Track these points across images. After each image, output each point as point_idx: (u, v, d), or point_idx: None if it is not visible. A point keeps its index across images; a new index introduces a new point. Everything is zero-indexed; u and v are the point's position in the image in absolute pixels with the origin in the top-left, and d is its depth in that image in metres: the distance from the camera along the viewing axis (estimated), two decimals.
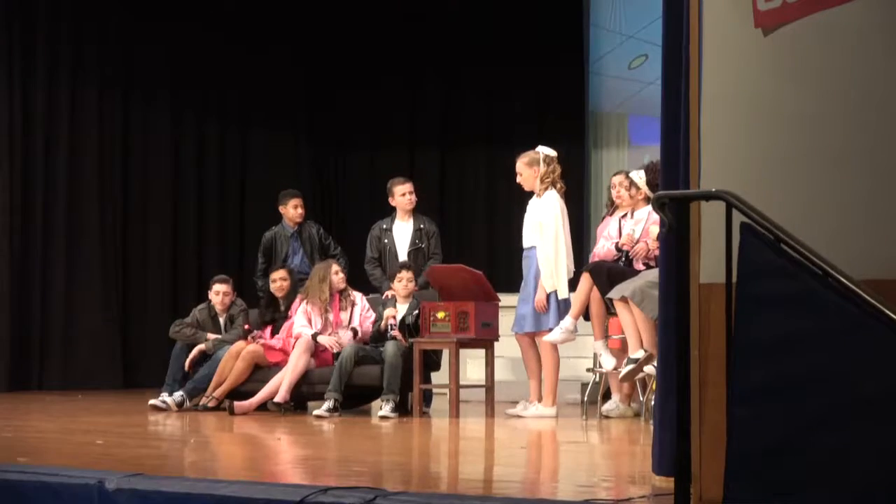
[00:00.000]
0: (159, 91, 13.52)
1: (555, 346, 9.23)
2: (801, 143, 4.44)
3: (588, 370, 9.91)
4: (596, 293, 8.91)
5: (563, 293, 9.24)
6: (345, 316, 9.96)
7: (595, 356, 9.40)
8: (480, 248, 13.89)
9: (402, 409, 9.47)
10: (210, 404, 9.83)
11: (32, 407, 10.43)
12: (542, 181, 9.41)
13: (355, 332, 9.89)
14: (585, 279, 8.98)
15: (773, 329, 3.87)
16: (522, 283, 9.50)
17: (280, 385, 9.60)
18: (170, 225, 13.56)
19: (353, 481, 5.10)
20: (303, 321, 9.90)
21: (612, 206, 9.48)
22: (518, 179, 9.53)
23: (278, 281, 10.35)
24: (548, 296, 9.24)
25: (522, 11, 13.69)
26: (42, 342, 12.52)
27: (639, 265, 8.94)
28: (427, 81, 14.66)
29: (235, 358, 9.87)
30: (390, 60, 14.42)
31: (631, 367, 8.47)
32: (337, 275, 10.00)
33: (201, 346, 10.19)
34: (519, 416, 9.30)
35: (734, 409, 3.91)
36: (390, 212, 10.59)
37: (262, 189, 13.38)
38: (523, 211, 9.61)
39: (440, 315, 9.39)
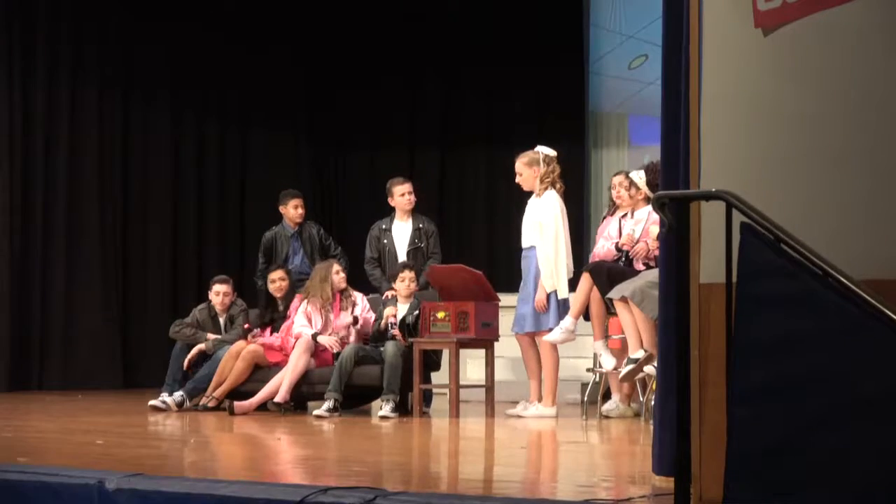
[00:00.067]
0: (159, 91, 13.52)
1: (555, 346, 9.23)
2: (801, 143, 4.44)
3: (588, 370, 9.91)
4: (596, 293, 8.91)
5: (563, 293, 9.24)
6: (345, 316, 9.96)
7: (595, 356, 9.40)
8: (480, 248, 13.89)
9: (402, 409, 9.47)
10: (210, 404, 9.83)
11: (32, 407, 10.43)
12: (541, 181, 9.41)
13: (356, 319, 9.89)
14: (585, 279, 8.98)
15: (773, 329, 3.87)
16: (522, 283, 9.50)
17: (280, 385, 9.61)
18: (170, 225, 13.56)
19: (353, 481, 5.10)
20: (303, 321, 9.90)
21: (613, 207, 9.48)
22: (517, 179, 9.53)
23: (277, 281, 10.35)
24: (548, 296, 9.24)
25: (522, 11, 13.68)
26: (42, 342, 12.52)
27: (639, 265, 8.94)
28: (427, 81, 14.66)
29: (235, 358, 9.88)
30: (390, 60, 14.42)
31: (631, 367, 8.47)
32: (338, 275, 10.00)
33: (201, 346, 10.20)
34: (519, 416, 9.30)
35: (734, 409, 3.91)
36: (390, 212, 10.59)
37: (262, 189, 13.38)
38: (523, 211, 9.61)
39: (440, 315, 9.39)
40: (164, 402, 9.86)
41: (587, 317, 9.08)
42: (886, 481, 3.65)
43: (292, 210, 11.04)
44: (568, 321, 9.00)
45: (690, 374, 4.24)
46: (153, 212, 13.42)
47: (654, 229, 8.37)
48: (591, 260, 9.47)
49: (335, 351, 9.74)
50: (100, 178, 12.98)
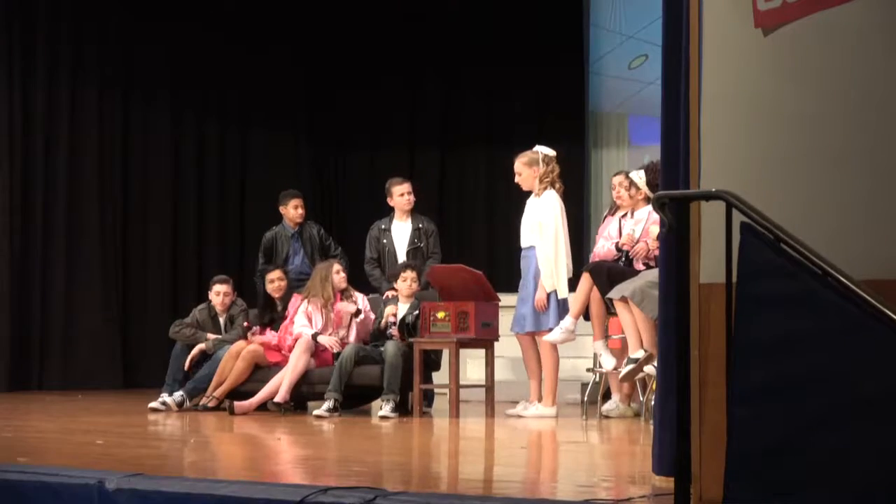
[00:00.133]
0: (159, 91, 13.52)
1: (554, 346, 9.23)
2: (801, 143, 4.44)
3: (588, 370, 9.91)
4: (596, 293, 8.91)
5: (563, 293, 9.24)
6: (349, 304, 9.96)
7: (595, 356, 9.40)
8: (480, 248, 13.89)
9: (402, 409, 9.47)
10: (210, 404, 9.83)
11: (32, 407, 10.44)
12: (540, 181, 9.40)
13: (358, 311, 9.90)
14: (585, 279, 8.98)
15: (773, 329, 3.87)
16: (521, 283, 9.50)
17: (280, 385, 9.61)
18: (170, 225, 13.56)
19: (353, 481, 5.10)
20: (303, 321, 9.90)
21: (614, 207, 9.49)
22: (517, 179, 9.53)
23: (276, 281, 10.36)
24: (547, 295, 9.24)
25: (522, 11, 13.69)
26: (42, 342, 12.52)
27: (639, 265, 8.93)
28: (427, 81, 14.66)
29: (235, 358, 9.88)
30: (390, 60, 14.43)
31: (631, 367, 8.47)
32: (338, 274, 10.00)
33: (201, 346, 10.20)
34: (519, 416, 9.30)
35: (734, 409, 3.91)
36: (389, 212, 10.59)
37: (262, 189, 13.39)
38: (522, 211, 9.61)
39: (440, 315, 9.39)
40: (163, 402, 9.86)
41: (587, 317, 9.08)
42: (886, 481, 3.65)
43: (292, 210, 11.04)
44: (568, 321, 9.00)
45: (690, 374, 4.24)
46: (153, 212, 13.42)
47: (654, 229, 8.37)
48: (591, 260, 9.47)
49: (335, 351, 9.74)
50: (100, 178, 12.98)
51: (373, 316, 10.01)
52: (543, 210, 9.34)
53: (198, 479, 5.13)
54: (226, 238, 14.04)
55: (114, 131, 13.17)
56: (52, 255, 12.60)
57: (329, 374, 9.55)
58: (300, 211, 11.05)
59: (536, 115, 13.89)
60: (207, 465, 6.47)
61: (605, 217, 9.68)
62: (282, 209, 11.10)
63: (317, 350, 9.79)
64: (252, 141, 14.30)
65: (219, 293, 10.50)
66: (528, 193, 9.54)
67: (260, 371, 9.89)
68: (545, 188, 9.40)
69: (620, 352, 9.10)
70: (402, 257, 10.34)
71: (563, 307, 9.20)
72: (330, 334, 9.86)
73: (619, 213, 9.33)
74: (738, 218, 4.02)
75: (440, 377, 9.90)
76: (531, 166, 9.43)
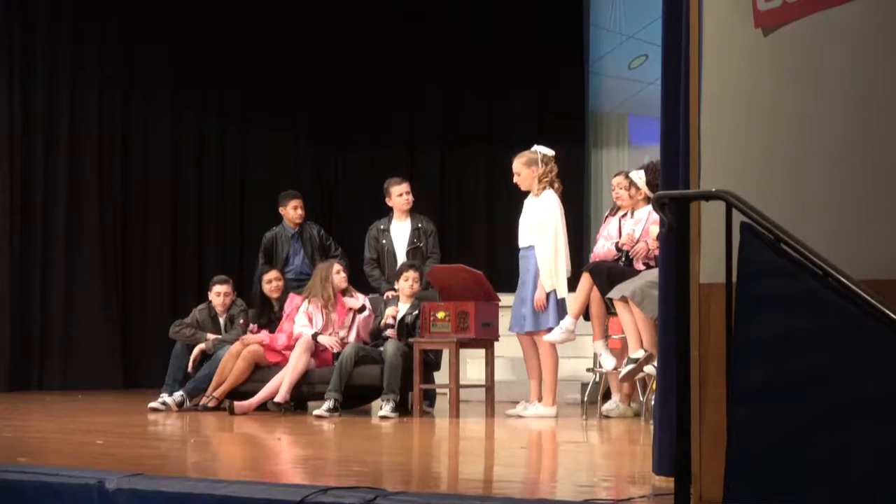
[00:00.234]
0: (159, 91, 13.52)
1: (554, 346, 9.22)
2: (801, 143, 4.44)
3: (588, 370, 9.90)
4: (596, 293, 8.91)
5: (562, 292, 9.24)
6: (353, 302, 9.98)
7: (595, 356, 9.40)
8: (480, 248, 13.89)
9: (402, 408, 9.47)
10: (210, 404, 9.83)
11: (32, 407, 10.44)
12: (539, 181, 9.40)
13: (363, 307, 9.90)
14: (585, 279, 8.98)
15: (773, 329, 3.87)
16: (519, 283, 9.49)
17: (280, 385, 9.61)
18: (170, 225, 13.56)
19: (353, 481, 5.10)
20: (304, 321, 9.90)
21: (616, 207, 9.49)
22: (515, 179, 9.52)
23: (273, 282, 10.38)
24: (547, 295, 9.24)
25: (522, 11, 13.69)
26: (42, 342, 12.52)
27: (639, 265, 8.94)
28: (427, 81, 14.66)
29: (235, 358, 9.88)
30: (390, 60, 14.43)
31: (631, 367, 8.47)
32: (338, 274, 10.00)
33: (201, 346, 10.20)
34: (519, 416, 9.29)
35: (734, 409, 3.90)
36: (388, 212, 10.59)
37: (262, 189, 13.39)
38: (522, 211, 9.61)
39: (440, 315, 9.39)
40: (163, 403, 9.87)
41: (587, 317, 9.08)
42: (886, 481, 3.65)
43: (292, 211, 11.04)
44: (568, 321, 8.99)
45: (690, 374, 4.24)
46: (153, 212, 13.43)
47: (654, 229, 8.37)
48: (591, 260, 9.47)
49: (335, 351, 9.74)
50: (100, 178, 12.98)
51: (373, 315, 10.01)
52: (542, 210, 9.34)
53: (198, 479, 5.12)
54: (226, 238, 14.04)
55: (114, 131, 13.17)
56: (52, 255, 12.60)
57: (329, 374, 9.55)
58: (300, 212, 11.05)
59: (536, 115, 13.89)
60: (208, 465, 6.47)
61: (607, 217, 9.68)
62: (281, 210, 11.10)
63: (317, 350, 9.79)
64: (252, 141, 14.30)
65: (219, 293, 10.51)
66: (528, 193, 9.53)
67: (260, 371, 9.89)
68: (544, 188, 9.40)
69: (620, 352, 9.10)
70: (401, 257, 10.34)
71: (562, 307, 9.20)
72: (330, 334, 9.86)
73: (619, 213, 9.33)
74: (738, 218, 4.02)
75: (440, 377, 9.90)
76: (530, 166, 9.42)
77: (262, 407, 9.66)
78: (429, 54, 14.37)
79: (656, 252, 8.13)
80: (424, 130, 14.60)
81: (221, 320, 10.48)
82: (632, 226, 9.11)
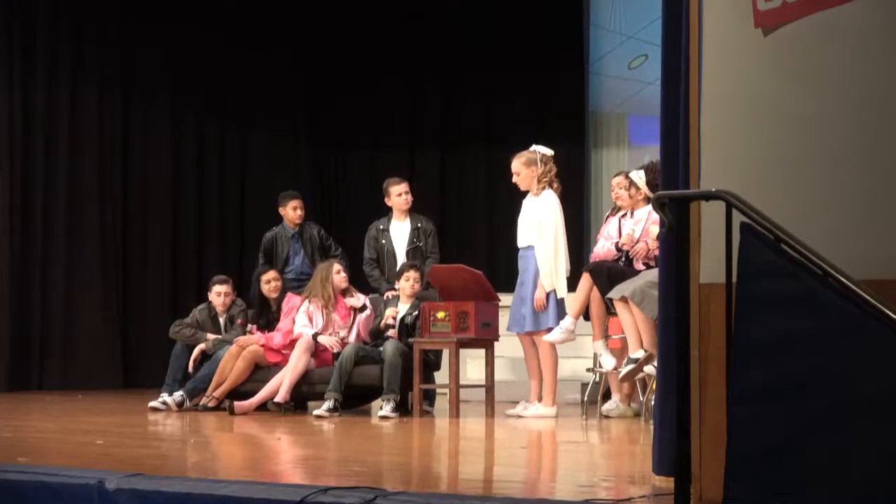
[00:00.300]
0: (159, 91, 13.53)
1: (553, 346, 9.22)
2: (801, 143, 4.44)
3: (588, 370, 9.91)
4: (596, 293, 8.91)
5: (562, 292, 9.24)
6: (355, 301, 9.98)
7: (595, 356, 9.40)
8: (480, 248, 13.89)
9: (402, 408, 9.47)
10: (210, 404, 9.84)
11: (32, 407, 10.43)
12: (538, 181, 9.40)
13: (364, 306, 9.91)
14: (585, 279, 8.98)
15: (773, 329, 3.87)
16: (518, 283, 9.48)
17: (280, 385, 9.61)
18: (170, 225, 13.57)
19: (353, 481, 5.09)
20: (304, 321, 9.90)
21: (616, 207, 9.49)
22: (514, 179, 9.52)
23: (272, 282, 10.39)
24: (546, 295, 9.24)
25: (522, 11, 13.69)
26: (42, 342, 12.52)
27: (639, 265, 8.94)
28: (427, 81, 14.67)
29: (235, 358, 9.88)
30: (390, 60, 14.43)
31: (631, 367, 8.47)
32: (338, 274, 10.00)
33: (202, 346, 10.20)
34: (519, 416, 9.29)
35: (734, 409, 3.90)
36: (388, 212, 10.59)
37: (262, 189, 13.39)
38: None
39: (440, 315, 9.39)
40: (163, 402, 9.87)
41: (587, 317, 9.08)
42: (886, 481, 3.65)
43: (291, 211, 11.04)
44: (568, 321, 8.99)
45: (690, 374, 4.24)
46: (153, 212, 13.43)
47: (654, 229, 8.37)
48: (591, 260, 9.47)
49: (335, 351, 9.74)
50: (100, 178, 12.98)
51: (374, 315, 10.01)
52: (542, 210, 9.34)
53: (198, 479, 5.12)
54: (226, 238, 14.04)
55: (114, 131, 13.17)
56: (52, 255, 12.61)
57: (329, 374, 9.55)
58: (299, 212, 11.05)
59: (536, 115, 13.89)
60: (208, 465, 6.47)
61: (607, 217, 9.68)
62: (281, 210, 11.11)
63: (317, 350, 9.79)
64: (252, 141, 14.30)
65: (219, 293, 10.51)
66: (527, 193, 9.53)
67: (260, 371, 9.89)
68: (543, 188, 9.40)
69: (620, 352, 9.10)
70: (400, 257, 10.34)
71: (561, 307, 9.20)
72: (330, 334, 9.86)
73: (619, 213, 9.33)
74: (738, 218, 4.02)
75: (440, 377, 9.90)
76: (529, 166, 9.42)
77: (262, 407, 9.66)
78: (429, 54, 14.37)
79: (656, 252, 8.13)
80: (424, 130, 14.60)
81: (221, 320, 10.48)
82: (632, 226, 9.11)
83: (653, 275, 7.88)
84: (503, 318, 9.72)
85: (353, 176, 14.80)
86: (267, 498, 4.56)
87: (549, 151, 9.49)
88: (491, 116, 14.25)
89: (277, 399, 9.56)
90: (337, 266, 10.08)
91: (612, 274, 8.86)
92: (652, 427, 5.34)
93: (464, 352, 9.82)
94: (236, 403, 9.53)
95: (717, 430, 4.11)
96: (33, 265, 12.46)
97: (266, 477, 5.79)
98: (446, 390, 9.54)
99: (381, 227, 10.52)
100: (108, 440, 7.37)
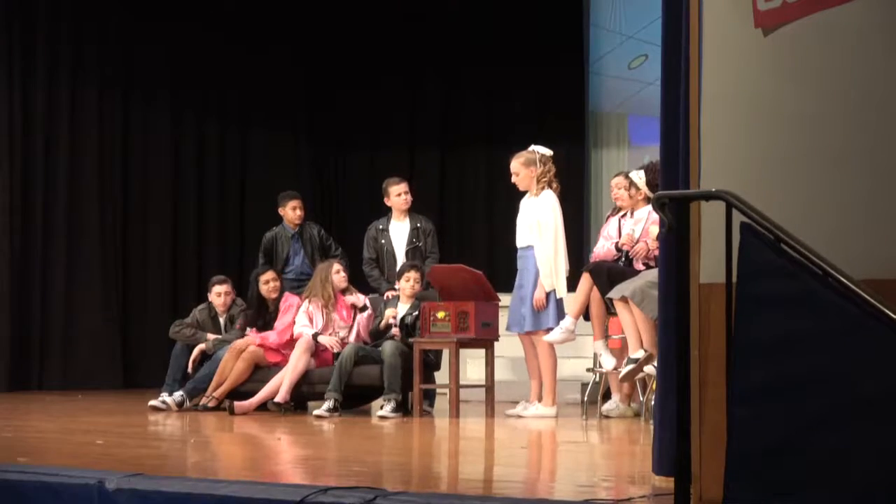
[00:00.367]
0: (159, 91, 13.53)
1: (552, 346, 9.22)
2: (801, 143, 4.44)
3: (588, 370, 9.91)
4: (596, 293, 8.91)
5: (562, 292, 9.24)
6: (355, 300, 9.98)
7: (595, 356, 9.40)
8: (480, 248, 13.89)
9: (402, 408, 9.47)
10: (210, 404, 9.84)
11: (32, 407, 10.43)
12: (538, 181, 9.40)
13: (365, 306, 9.91)
14: (585, 279, 8.98)
15: (773, 329, 3.87)
16: (517, 283, 9.48)
17: (280, 385, 9.61)
18: (170, 225, 13.57)
19: (353, 481, 5.09)
20: (304, 321, 9.90)
21: (617, 207, 9.49)
22: (514, 179, 9.52)
23: (271, 282, 10.37)
24: (546, 295, 9.24)
25: (522, 11, 13.69)
26: (42, 342, 12.52)
27: (639, 265, 8.93)
28: (427, 81, 14.67)
29: (236, 358, 9.88)
30: (390, 60, 14.43)
31: (631, 367, 8.47)
32: (338, 274, 10.00)
33: (202, 346, 10.20)
34: (519, 416, 9.29)
35: (734, 409, 3.90)
36: (388, 212, 10.59)
37: (262, 189, 13.39)
38: None
39: (440, 315, 9.39)
40: (163, 402, 9.87)
41: (587, 317, 9.08)
42: (886, 481, 3.65)
43: (291, 211, 11.04)
44: (568, 321, 8.99)
45: (690, 374, 4.24)
46: (153, 212, 13.43)
47: (654, 229, 8.37)
48: (591, 260, 9.47)
49: (335, 351, 9.75)
50: (100, 178, 12.99)
51: (374, 315, 10.01)
52: (542, 210, 9.34)
53: (198, 479, 5.12)
54: (226, 238, 14.04)
55: (114, 131, 13.17)
56: (52, 255, 12.61)
57: (329, 374, 9.55)
58: (299, 212, 11.05)
59: (536, 115, 13.89)
60: (207, 465, 6.47)
61: (608, 217, 9.68)
62: (281, 210, 11.11)
63: (317, 350, 9.79)
64: (252, 141, 14.30)
65: (219, 294, 10.51)
66: (525, 193, 9.52)
67: (260, 371, 9.89)
68: (542, 188, 9.40)
69: (620, 352, 9.10)
70: (400, 257, 10.34)
71: (561, 307, 9.20)
72: (330, 334, 9.86)
73: (619, 213, 9.33)
74: (738, 218, 4.02)
75: (440, 377, 9.90)
76: (528, 166, 9.42)
77: (262, 407, 9.67)
78: (429, 54, 14.37)
79: (656, 252, 8.13)
80: (424, 130, 14.61)
81: (221, 320, 10.48)
82: (632, 226, 9.11)
83: (653, 275, 7.88)
84: (503, 318, 9.72)
85: (353, 176, 14.80)
86: (267, 498, 4.56)
87: (549, 151, 9.49)
88: (491, 116, 14.25)
89: (277, 399, 9.57)
90: (337, 266, 10.08)
91: (612, 274, 8.86)
92: (652, 427, 5.34)
93: (464, 352, 9.82)
94: (236, 403, 9.53)
95: (717, 430, 4.11)
96: (33, 265, 12.46)
97: (266, 477, 5.79)
98: (446, 390, 9.54)
99: (381, 227, 10.52)
100: (108, 440, 7.37)
